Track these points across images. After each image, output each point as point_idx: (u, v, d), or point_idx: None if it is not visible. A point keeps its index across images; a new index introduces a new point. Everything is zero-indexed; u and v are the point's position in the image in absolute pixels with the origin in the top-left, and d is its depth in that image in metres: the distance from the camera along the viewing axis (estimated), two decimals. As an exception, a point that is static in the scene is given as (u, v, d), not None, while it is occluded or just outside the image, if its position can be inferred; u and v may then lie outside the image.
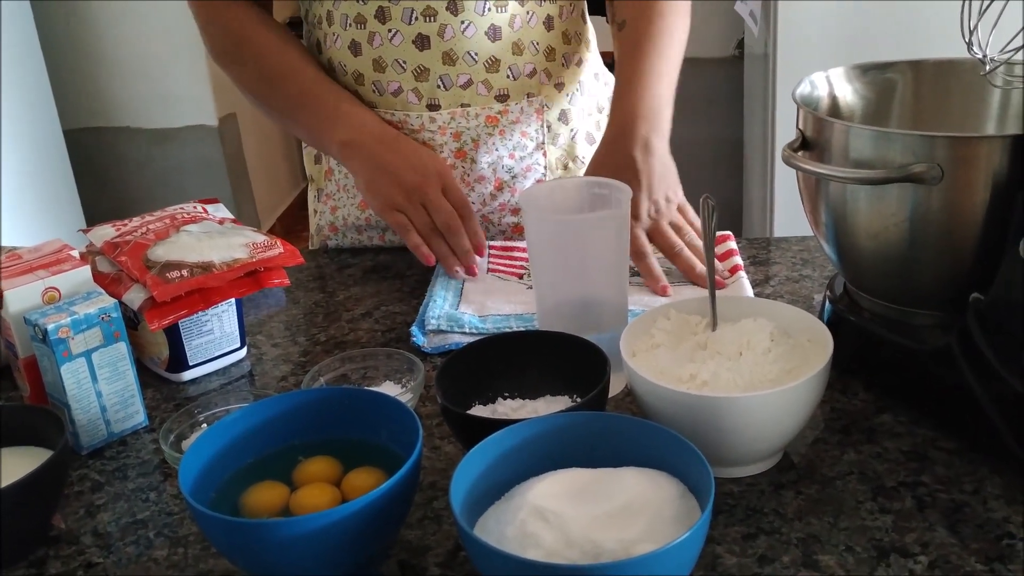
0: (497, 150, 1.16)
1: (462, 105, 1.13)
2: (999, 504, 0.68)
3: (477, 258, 1.09)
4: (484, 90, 1.13)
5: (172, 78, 3.12)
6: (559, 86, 1.19)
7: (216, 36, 1.17)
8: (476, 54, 1.11)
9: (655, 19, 1.10)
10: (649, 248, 1.02)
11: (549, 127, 1.19)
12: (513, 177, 1.18)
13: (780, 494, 0.71)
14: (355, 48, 1.12)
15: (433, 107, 1.13)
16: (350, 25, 1.11)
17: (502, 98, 1.14)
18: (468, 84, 1.12)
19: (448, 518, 0.72)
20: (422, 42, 1.10)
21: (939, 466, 0.73)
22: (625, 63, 1.10)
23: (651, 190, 1.02)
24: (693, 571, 0.64)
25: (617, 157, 1.03)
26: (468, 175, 1.17)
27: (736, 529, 0.68)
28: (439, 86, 1.12)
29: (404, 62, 1.11)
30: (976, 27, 0.74)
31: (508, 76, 1.13)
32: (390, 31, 1.10)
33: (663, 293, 0.99)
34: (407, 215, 1.07)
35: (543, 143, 1.19)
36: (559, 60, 1.18)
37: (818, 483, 0.72)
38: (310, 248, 1.31)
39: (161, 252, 0.92)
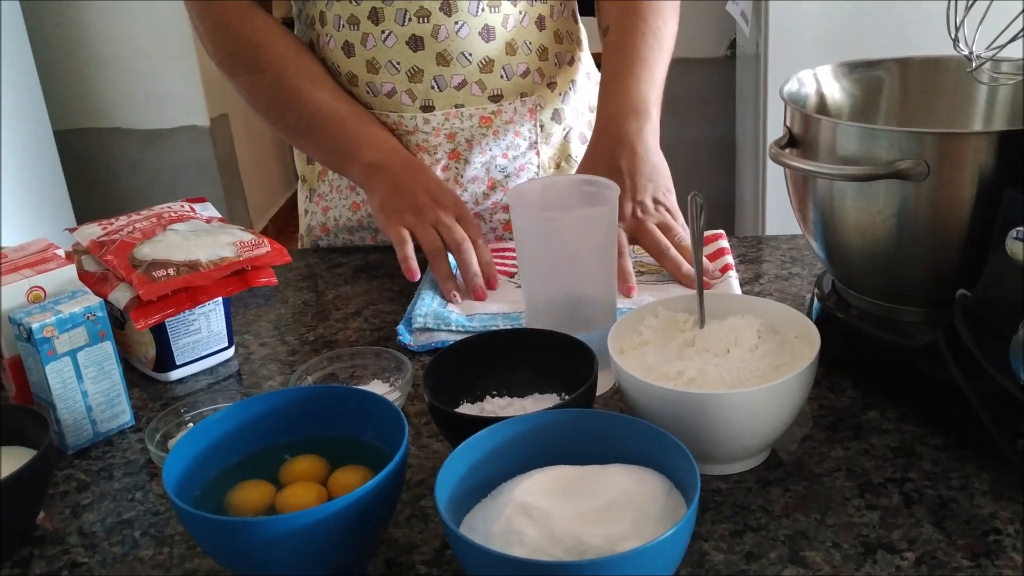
0: (491, 150, 1.16)
1: (456, 106, 1.13)
2: (986, 500, 0.68)
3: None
4: (478, 90, 1.13)
5: (163, 78, 3.11)
6: (552, 85, 1.18)
7: (226, 41, 1.13)
8: (470, 55, 1.11)
9: (638, 23, 1.10)
10: (627, 248, 1.01)
11: (542, 126, 1.19)
12: (506, 176, 1.18)
13: (767, 491, 0.71)
14: (348, 49, 1.12)
15: (427, 108, 1.13)
16: (343, 26, 1.11)
17: (496, 98, 1.14)
18: (462, 85, 1.12)
19: (435, 516, 0.71)
20: (416, 43, 1.09)
21: (926, 462, 0.73)
22: (608, 68, 1.10)
23: (635, 191, 1.02)
24: (680, 568, 0.64)
25: (600, 159, 1.03)
26: (461, 175, 1.17)
27: (723, 526, 0.68)
28: (433, 87, 1.12)
29: (398, 63, 1.11)
30: (962, 24, 0.74)
31: (502, 76, 1.13)
32: (383, 32, 1.10)
33: (626, 294, 0.97)
34: (414, 232, 1.04)
35: (536, 142, 1.19)
36: (552, 60, 1.17)
37: (805, 480, 0.72)
38: (300, 248, 1.30)
39: (147, 251, 0.91)
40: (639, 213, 1.02)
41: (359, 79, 1.13)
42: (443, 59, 1.10)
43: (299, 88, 1.11)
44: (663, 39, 1.11)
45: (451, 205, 1.05)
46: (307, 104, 1.11)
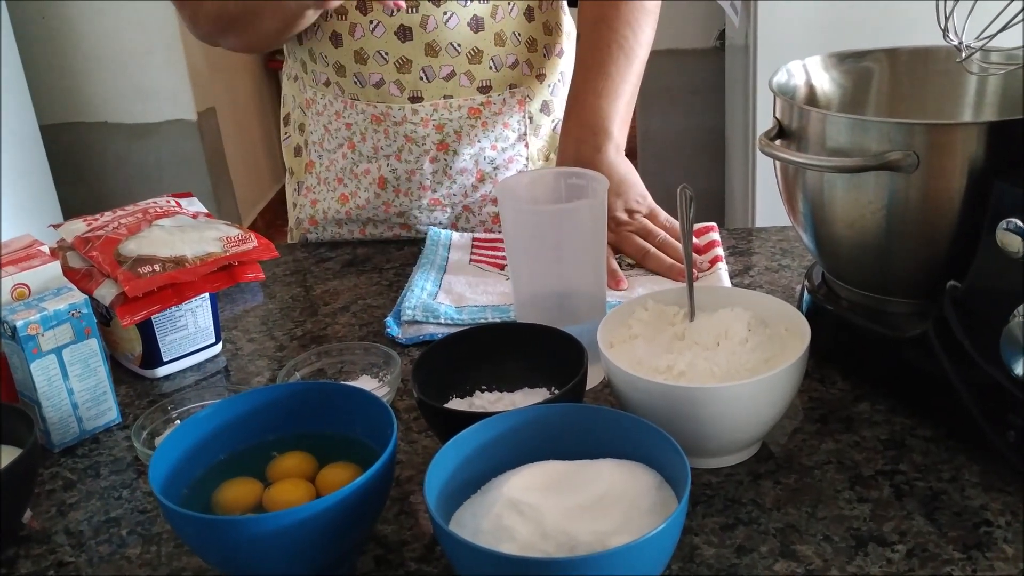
0: (479, 142, 1.16)
1: (445, 96, 1.13)
2: (977, 492, 0.68)
3: (459, 248, 1.08)
4: (467, 81, 1.13)
5: (150, 73, 3.09)
6: (540, 77, 1.18)
7: (198, 12, 1.10)
8: (459, 45, 1.10)
9: (605, 34, 1.09)
10: (610, 251, 1.01)
11: (531, 118, 1.18)
12: (495, 168, 1.18)
13: (758, 484, 0.71)
14: (336, 39, 1.11)
15: (415, 99, 1.12)
16: (331, 16, 1.10)
17: (484, 89, 1.14)
18: (451, 75, 1.12)
19: (425, 512, 0.71)
20: (404, 33, 1.09)
21: (916, 454, 0.73)
22: (572, 84, 1.10)
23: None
24: (671, 562, 0.63)
25: None
26: (450, 167, 1.16)
27: (714, 520, 0.68)
28: (422, 78, 1.11)
29: (386, 54, 1.10)
30: (952, 14, 0.74)
31: (491, 67, 1.13)
32: (371, 22, 1.09)
33: (617, 287, 0.97)
34: None
35: (525, 134, 1.18)
36: (540, 51, 1.17)
37: (796, 473, 0.72)
38: (289, 242, 1.30)
39: (133, 247, 0.90)
40: (613, 226, 1.02)
41: (347, 69, 1.12)
42: (432, 49, 1.10)
43: None
44: (631, 50, 1.09)
45: None
46: None
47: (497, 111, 1.15)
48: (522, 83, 1.16)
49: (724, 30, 2.90)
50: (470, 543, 0.56)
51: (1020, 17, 0.69)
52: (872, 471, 0.71)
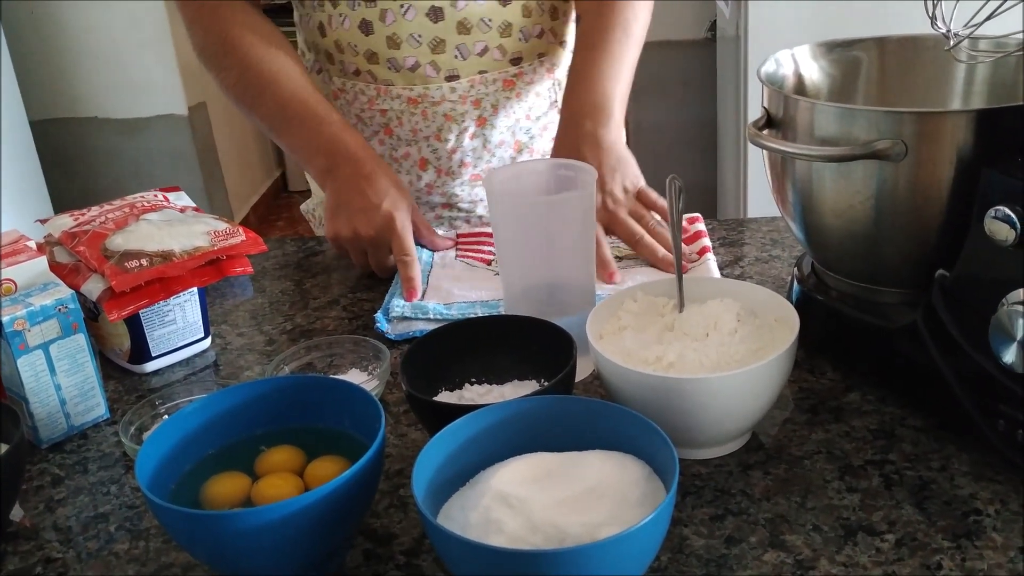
0: (515, 112, 1.19)
1: (480, 72, 1.13)
2: (966, 481, 0.68)
3: (448, 243, 1.09)
4: (499, 55, 1.14)
5: (140, 67, 3.08)
6: (563, 43, 1.22)
7: (199, 36, 1.12)
8: (489, 20, 1.12)
9: (608, 15, 1.11)
10: (604, 238, 1.01)
11: (560, 84, 1.21)
12: (531, 138, 1.21)
13: (748, 475, 0.71)
14: (366, 27, 1.11)
15: (452, 78, 1.13)
16: (359, 5, 1.10)
17: (516, 61, 1.16)
18: (484, 51, 1.13)
19: (414, 505, 0.71)
20: (436, 14, 1.10)
21: (906, 444, 0.73)
22: (575, 61, 1.11)
23: (603, 182, 1.02)
24: (660, 554, 0.63)
25: (565, 153, 1.03)
26: (489, 141, 1.18)
27: (704, 511, 0.68)
28: (457, 56, 1.12)
29: (419, 36, 1.11)
30: (939, 2, 0.74)
31: (520, 39, 1.15)
32: (402, 7, 1.09)
33: (608, 280, 0.97)
34: (348, 252, 1.07)
35: (556, 101, 1.22)
36: (561, 18, 1.20)
37: (786, 463, 0.72)
38: (277, 237, 1.29)
39: (120, 241, 0.90)
40: (610, 204, 1.02)
41: (379, 56, 1.12)
42: (464, 27, 1.11)
43: (260, 87, 1.09)
44: (632, 33, 1.11)
45: (386, 231, 1.02)
46: (267, 103, 1.10)
47: (529, 81, 1.18)
48: (548, 51, 1.19)
49: (715, 21, 2.90)
50: (458, 536, 0.55)
51: (1007, 5, 0.69)
52: (862, 461, 0.71)
